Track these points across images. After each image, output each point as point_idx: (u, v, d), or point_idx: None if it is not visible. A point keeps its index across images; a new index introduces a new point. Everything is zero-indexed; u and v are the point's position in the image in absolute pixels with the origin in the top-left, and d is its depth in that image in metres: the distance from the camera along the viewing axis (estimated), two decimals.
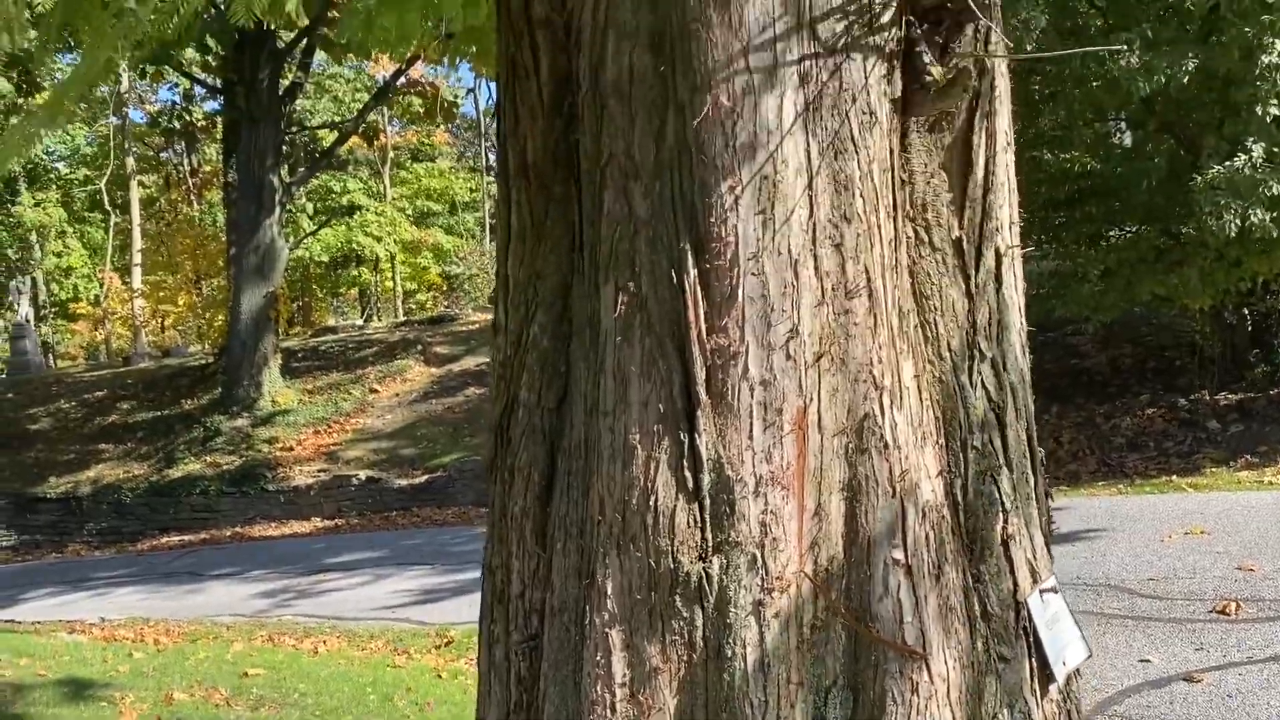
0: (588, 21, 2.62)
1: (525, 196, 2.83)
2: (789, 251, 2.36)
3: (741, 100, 2.36)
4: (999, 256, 2.70)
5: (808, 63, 2.38)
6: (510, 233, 2.87)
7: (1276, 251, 12.82)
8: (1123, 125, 15.65)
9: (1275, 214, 11.82)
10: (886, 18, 2.45)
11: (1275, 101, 12.54)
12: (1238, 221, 12.31)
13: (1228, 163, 12.64)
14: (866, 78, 2.42)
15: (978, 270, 2.65)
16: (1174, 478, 12.25)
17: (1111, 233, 15.41)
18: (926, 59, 2.48)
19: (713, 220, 2.37)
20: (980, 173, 2.64)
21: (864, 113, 2.42)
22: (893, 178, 2.49)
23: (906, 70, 2.50)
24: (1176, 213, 13.63)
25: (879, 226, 2.44)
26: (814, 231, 2.37)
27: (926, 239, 2.60)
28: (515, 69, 2.84)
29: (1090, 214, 14.74)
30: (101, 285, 28.13)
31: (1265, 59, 12.17)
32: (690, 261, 2.39)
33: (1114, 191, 14.65)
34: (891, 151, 2.48)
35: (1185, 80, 12.93)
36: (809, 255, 2.37)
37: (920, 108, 2.55)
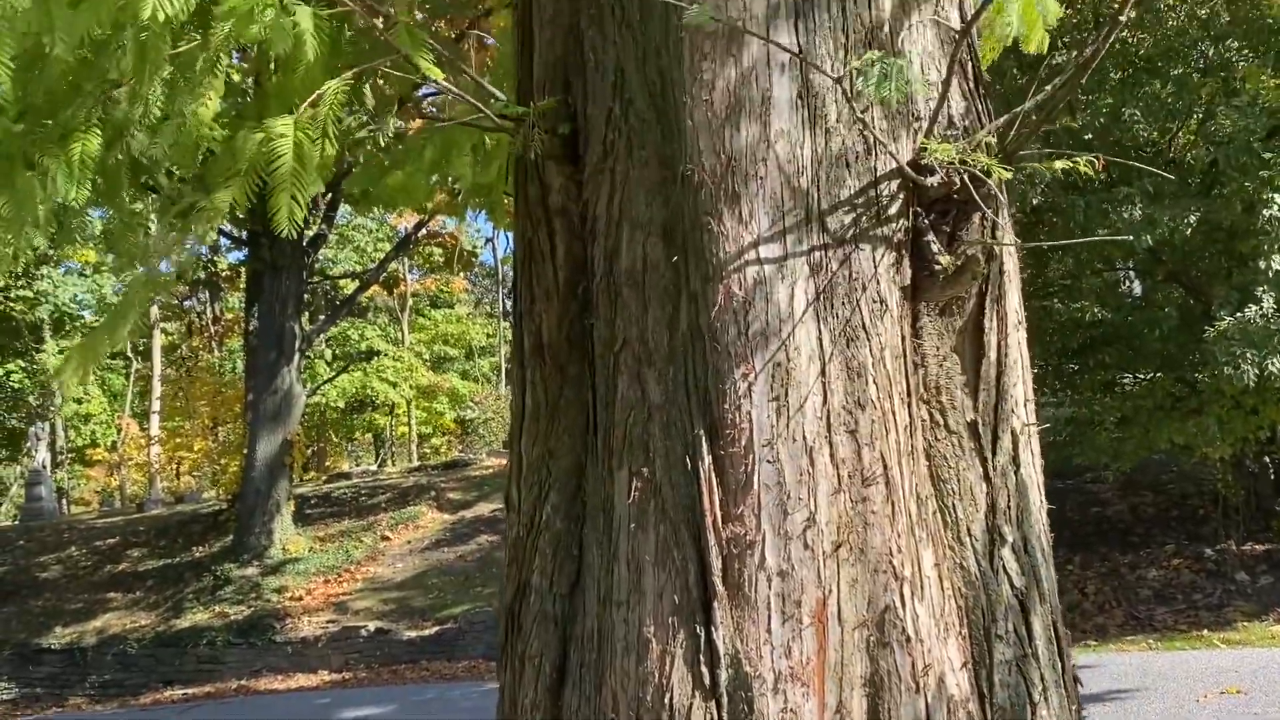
0: (602, 212, 2.69)
1: (540, 376, 2.85)
2: (804, 438, 2.35)
3: (753, 290, 2.39)
4: (1015, 438, 2.68)
5: (818, 253, 2.43)
6: (524, 412, 2.88)
7: None
8: (1131, 274, 15.85)
9: None
10: (894, 209, 2.51)
11: (1278, 255, 12.70)
12: (1255, 370, 12.29)
13: (1239, 313, 12.72)
14: (876, 267, 2.46)
15: (995, 453, 2.62)
16: (1205, 632, 11.87)
17: (1126, 379, 15.41)
18: (935, 248, 2.52)
19: (727, 406, 2.38)
20: (993, 355, 2.65)
21: (874, 301, 2.45)
22: (905, 363, 2.50)
23: (915, 258, 2.54)
24: (1190, 360, 13.65)
25: (893, 413, 2.43)
26: (828, 418, 2.37)
27: (942, 422, 2.59)
28: (532, 252, 2.91)
29: (1104, 361, 14.77)
30: (119, 431, 28.31)
31: (1266, 213, 12.38)
32: (705, 448, 2.38)
33: (1126, 339, 14.71)
34: (903, 337, 2.50)
35: (1189, 232, 13.14)
36: (824, 442, 2.36)
37: (930, 293, 2.58)
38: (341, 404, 26.56)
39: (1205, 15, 14.83)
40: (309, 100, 2.07)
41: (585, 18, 2.77)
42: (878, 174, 2.49)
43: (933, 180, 2.47)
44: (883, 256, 2.47)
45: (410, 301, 30.03)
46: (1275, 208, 12.18)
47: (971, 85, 2.74)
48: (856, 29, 2.56)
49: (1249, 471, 14.93)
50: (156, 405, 26.81)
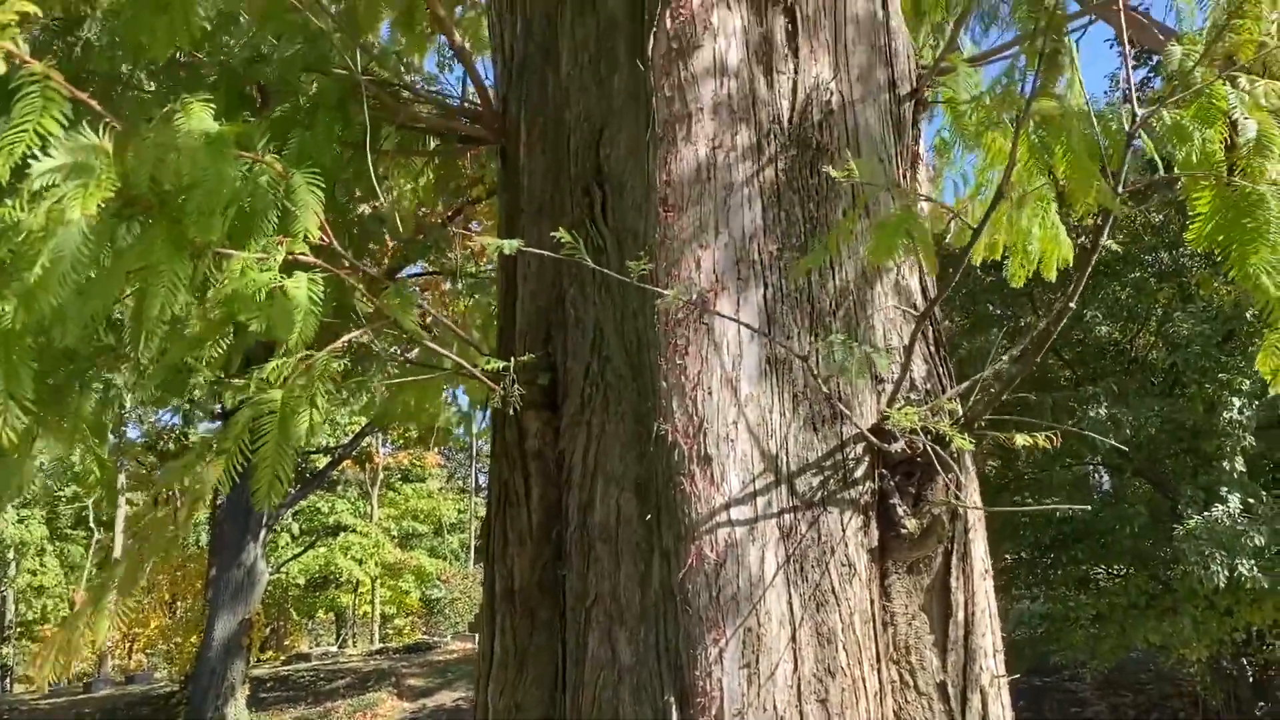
0: (578, 462, 2.75)
1: (510, 624, 2.83)
2: (774, 708, 2.34)
3: (725, 553, 2.43)
4: (985, 695, 2.68)
5: (788, 516, 2.48)
6: (492, 660, 2.85)
7: (1268, 602, 12.72)
8: (1101, 470, 16.02)
9: (1262, 564, 11.84)
10: (860, 472, 2.58)
11: (1241, 457, 12.93)
12: (1225, 572, 12.29)
13: (1206, 513, 12.81)
14: (844, 530, 2.51)
15: (965, 714, 2.61)
16: None
17: (1100, 575, 15.33)
18: (900, 511, 2.58)
19: (697, 673, 2.37)
20: (960, 615, 2.68)
21: (843, 564, 2.48)
22: (874, 625, 2.52)
23: (882, 520, 2.60)
24: (1163, 557, 13.64)
25: (863, 679, 2.43)
26: (799, 686, 2.36)
27: (911, 683, 2.58)
28: (507, 495, 2.94)
29: (1076, 557, 14.74)
30: (72, 606, 27.37)
31: (1226, 415, 12.69)
32: (675, 716, 2.36)
33: (1098, 535, 14.74)
34: (872, 601, 2.52)
35: (1154, 431, 13.38)
36: (795, 712, 2.35)
37: (898, 553, 2.62)
38: (304, 580, 25.89)
39: (1159, 222, 15.54)
40: (297, 370, 2.15)
41: (567, 276, 2.91)
42: (844, 437, 2.57)
43: (896, 446, 2.55)
44: (850, 519, 2.53)
45: (381, 475, 29.75)
46: (1235, 410, 12.50)
47: (933, 349, 2.87)
48: (822, 298, 2.70)
49: (1228, 673, 14.71)
50: (116, 579, 25.99)
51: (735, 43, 2.83)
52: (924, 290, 2.95)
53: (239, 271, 1.96)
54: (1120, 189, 2.37)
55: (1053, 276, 4.36)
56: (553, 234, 2.62)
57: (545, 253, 2.46)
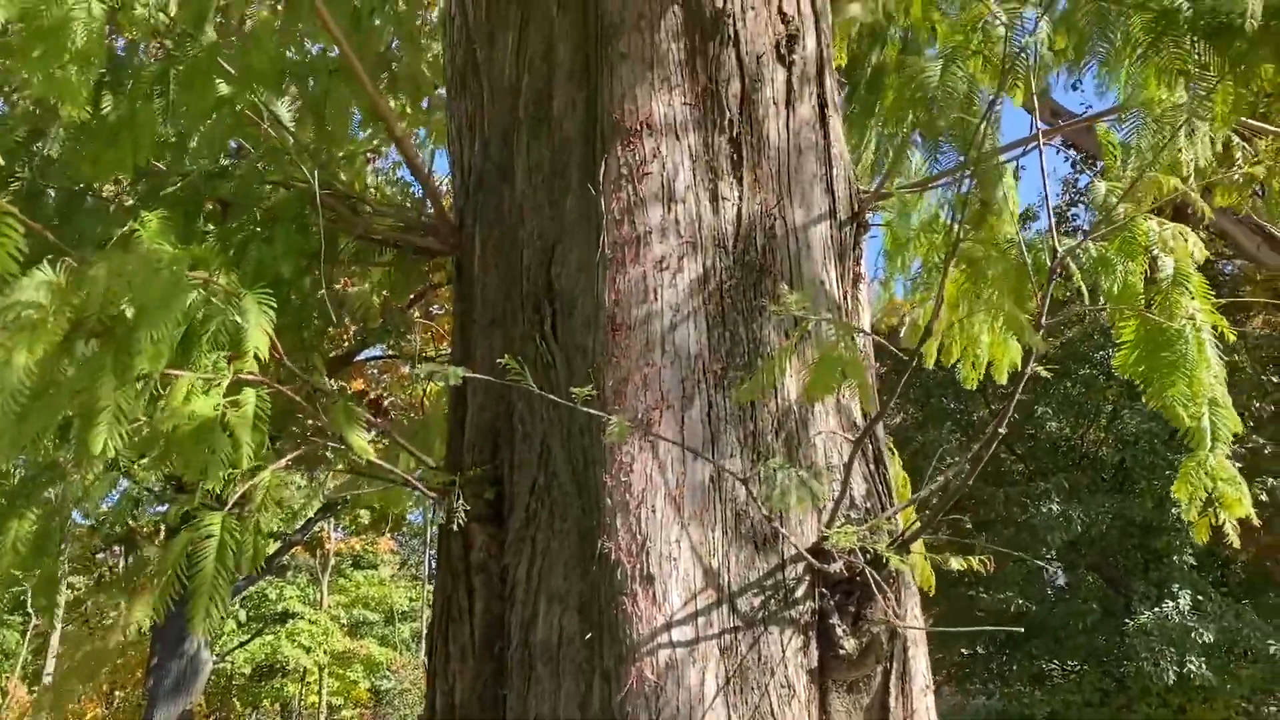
0: (522, 578, 2.76)
1: None
2: None
3: (665, 674, 2.44)
4: None
5: (728, 636, 2.50)
6: None
7: (1219, 700, 12.76)
8: (1055, 564, 16.11)
9: (1211, 664, 11.92)
10: (800, 591, 2.62)
11: (1190, 551, 13.08)
12: (1175, 669, 12.34)
13: (1157, 608, 12.90)
14: (784, 650, 2.54)
15: None
16: None
17: (1054, 671, 15.32)
18: (840, 631, 2.62)
19: None
20: None
21: (783, 686, 2.50)
22: None
23: (822, 640, 2.63)
24: (1116, 654, 13.68)
25: None
26: None
27: None
28: (450, 609, 2.94)
29: (1031, 653, 14.74)
30: (4, 696, 26.29)
31: (1175, 510, 12.88)
32: None
33: (1052, 630, 14.77)
34: None
35: (1104, 527, 13.52)
36: None
37: (838, 673, 2.65)
38: (249, 669, 25.12)
39: (1105, 322, 15.87)
40: (239, 493, 2.16)
41: (516, 390, 2.95)
42: (785, 557, 2.61)
43: (835, 566, 2.60)
44: (790, 639, 2.55)
45: (333, 561, 29.17)
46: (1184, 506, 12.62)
47: (872, 468, 2.94)
48: (764, 417, 2.77)
49: None
50: (51, 665, 25.08)
51: (683, 170, 2.95)
52: (864, 408, 3.03)
53: (183, 396, 1.99)
54: (1043, 320, 2.48)
55: (1003, 380, 4.47)
56: (500, 360, 2.68)
57: (491, 379, 2.51)
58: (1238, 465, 3.05)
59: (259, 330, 2.18)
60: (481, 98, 3.34)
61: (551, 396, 2.55)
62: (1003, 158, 3.94)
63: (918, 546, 4.96)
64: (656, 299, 2.82)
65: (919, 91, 2.41)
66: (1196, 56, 2.17)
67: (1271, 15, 2.01)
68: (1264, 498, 12.43)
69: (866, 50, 5.18)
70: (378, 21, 3.68)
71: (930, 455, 13.87)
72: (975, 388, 4.36)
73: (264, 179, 3.17)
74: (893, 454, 5.82)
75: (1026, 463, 15.35)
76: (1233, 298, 14.63)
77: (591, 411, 2.44)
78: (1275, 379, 14.68)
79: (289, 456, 2.37)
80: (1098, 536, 14.14)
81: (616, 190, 2.91)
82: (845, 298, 3.21)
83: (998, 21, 2.37)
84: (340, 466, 3.01)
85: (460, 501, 2.72)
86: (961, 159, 2.98)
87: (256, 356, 2.29)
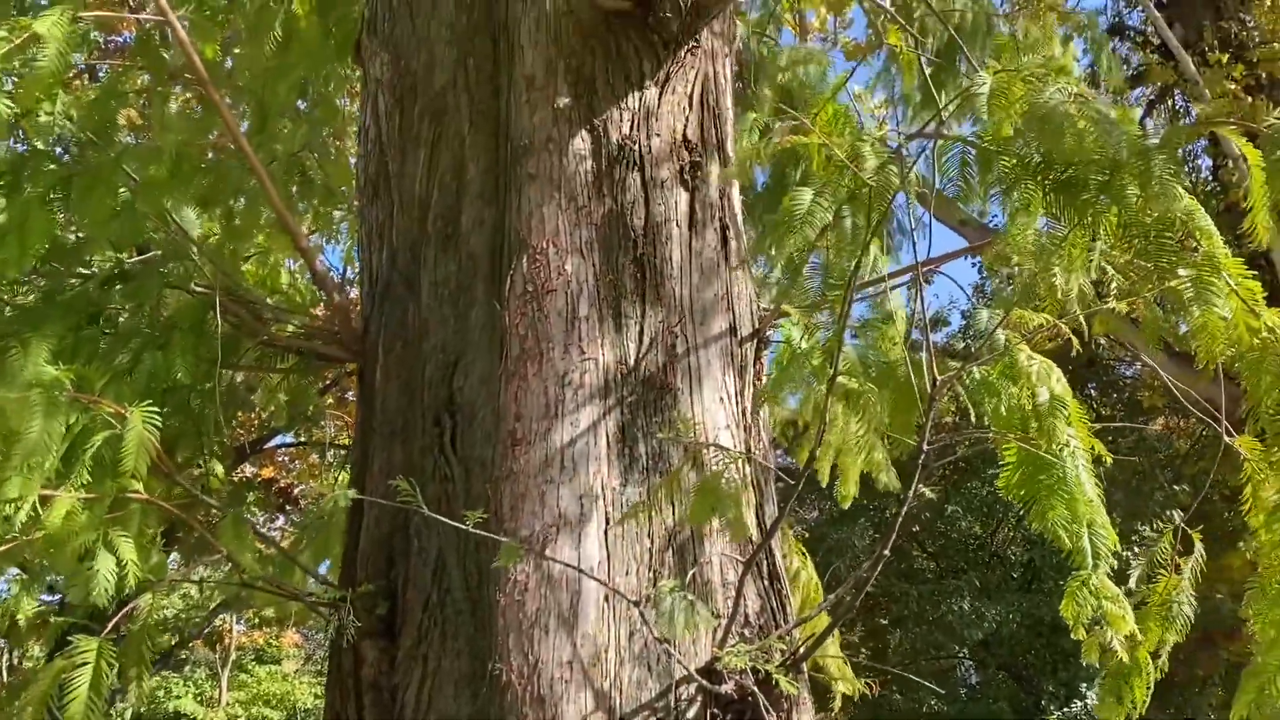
0: (411, 699, 2.71)
1: None
2: None
3: None
4: None
5: None
6: None
7: None
8: (967, 663, 16.24)
9: None
10: (692, 712, 2.61)
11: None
12: None
13: (1065, 709, 13.03)
14: None
15: None
16: None
17: None
18: None
19: None
20: None
21: None
22: None
23: None
24: None
25: None
26: None
27: None
28: None
29: None
30: None
31: None
32: None
33: None
34: None
35: (1015, 626, 13.71)
36: None
37: None
38: None
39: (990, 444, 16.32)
40: (123, 613, 2.10)
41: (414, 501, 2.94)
42: (676, 678, 2.62)
43: (726, 687, 2.61)
44: None
45: (234, 656, 27.97)
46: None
47: (767, 584, 2.97)
48: (661, 534, 2.80)
49: None
50: None
51: (587, 288, 3.02)
52: (760, 523, 3.07)
53: (62, 516, 1.95)
54: (925, 446, 2.57)
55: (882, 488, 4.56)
56: (398, 473, 2.68)
57: (385, 496, 2.50)
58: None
59: (139, 451, 2.15)
60: (392, 209, 3.39)
61: (442, 518, 2.54)
62: (893, 283, 4.11)
63: (835, 650, 4.99)
64: (557, 414, 2.85)
65: (791, 220, 2.53)
66: (1048, 202, 2.33)
67: (1113, 169, 2.16)
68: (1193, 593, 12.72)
69: (784, 169, 5.40)
70: (289, 123, 3.73)
71: (844, 553, 13.99)
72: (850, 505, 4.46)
73: (165, 283, 3.16)
74: (805, 556, 5.88)
75: (938, 560, 15.58)
76: (1134, 400, 15.21)
77: (484, 534, 2.44)
78: (1182, 486, 15.17)
79: (172, 578, 2.32)
80: (1008, 635, 14.32)
81: (521, 306, 2.97)
82: (744, 413, 3.28)
83: (868, 161, 2.51)
84: (231, 580, 2.94)
85: (350, 617, 2.67)
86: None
87: (153, 468, 2.26)
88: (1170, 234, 2.21)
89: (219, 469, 3.71)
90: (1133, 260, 2.40)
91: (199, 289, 3.19)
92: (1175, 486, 15.35)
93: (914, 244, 2.69)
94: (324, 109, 4.51)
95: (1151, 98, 14.89)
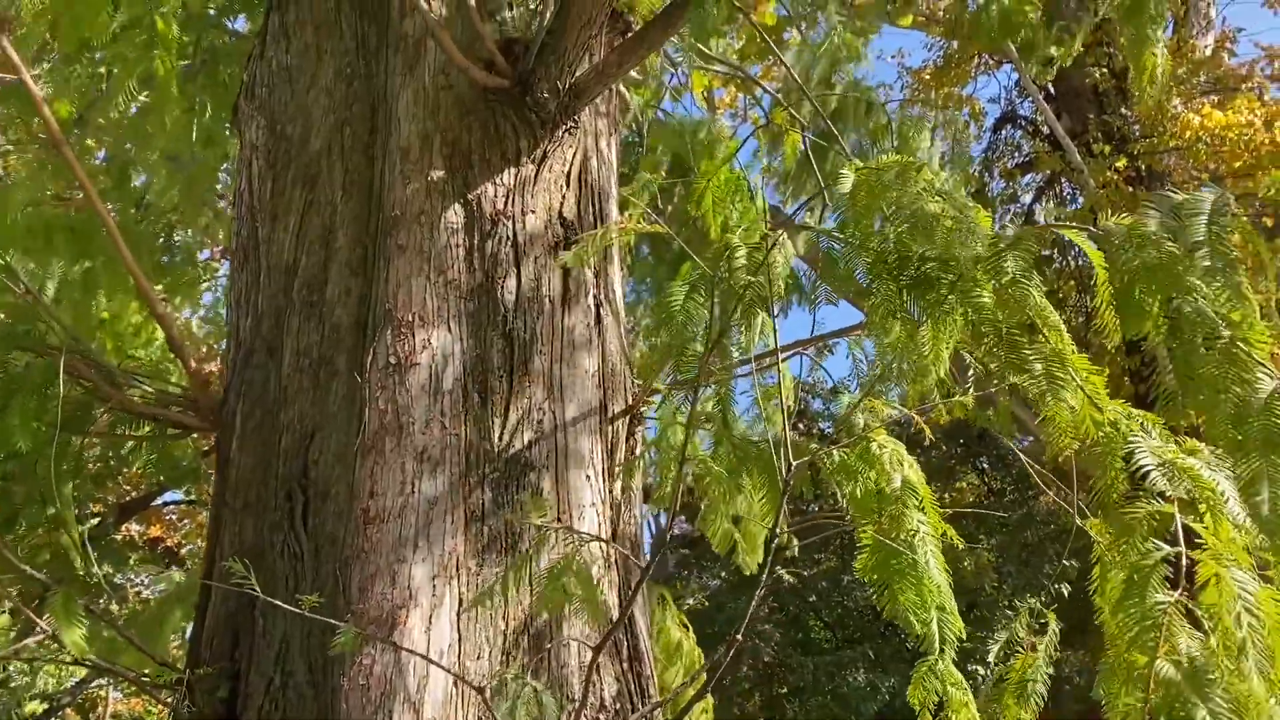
0: None
1: None
2: None
3: None
4: None
5: None
6: None
7: None
8: None
9: None
10: None
11: None
12: None
13: None
14: None
15: None
16: None
17: None
18: None
19: None
20: None
21: None
22: None
23: None
24: None
25: None
26: None
27: None
28: None
29: None
30: None
31: (973, 681, 13.30)
32: None
33: None
34: None
35: (907, 700, 13.72)
36: None
37: None
38: None
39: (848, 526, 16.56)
40: None
41: (259, 581, 2.84)
42: None
43: None
44: None
45: None
46: (978, 679, 13.09)
47: (626, 665, 2.93)
48: (516, 614, 2.75)
49: None
50: None
51: (453, 363, 2.99)
52: (621, 603, 3.05)
53: None
54: (778, 529, 2.59)
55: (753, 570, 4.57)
56: (248, 548, 2.59)
57: (223, 585, 2.41)
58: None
59: None
60: (259, 274, 3.33)
61: (278, 602, 2.46)
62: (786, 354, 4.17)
63: None
64: (414, 492, 2.80)
65: (666, 316, 2.58)
66: (903, 299, 2.40)
67: (965, 269, 2.24)
68: (1050, 670, 12.96)
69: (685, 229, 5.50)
70: (160, 182, 3.65)
71: (739, 621, 13.94)
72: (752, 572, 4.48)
73: (15, 343, 3.03)
74: (687, 628, 5.84)
75: (835, 631, 15.65)
76: (1025, 474, 15.63)
77: (325, 620, 2.36)
78: (1071, 561, 15.54)
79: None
80: (901, 707, 14.38)
81: (382, 380, 2.92)
82: (612, 490, 3.27)
83: (739, 260, 2.56)
84: (66, 659, 2.79)
85: (185, 703, 2.55)
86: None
87: None
88: (1019, 332, 2.28)
89: (73, 536, 3.54)
90: (984, 355, 2.47)
91: (50, 351, 3.07)
92: (1066, 561, 15.74)
93: (774, 330, 2.74)
94: (200, 169, 4.45)
95: (1041, 184, 15.55)
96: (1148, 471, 2.03)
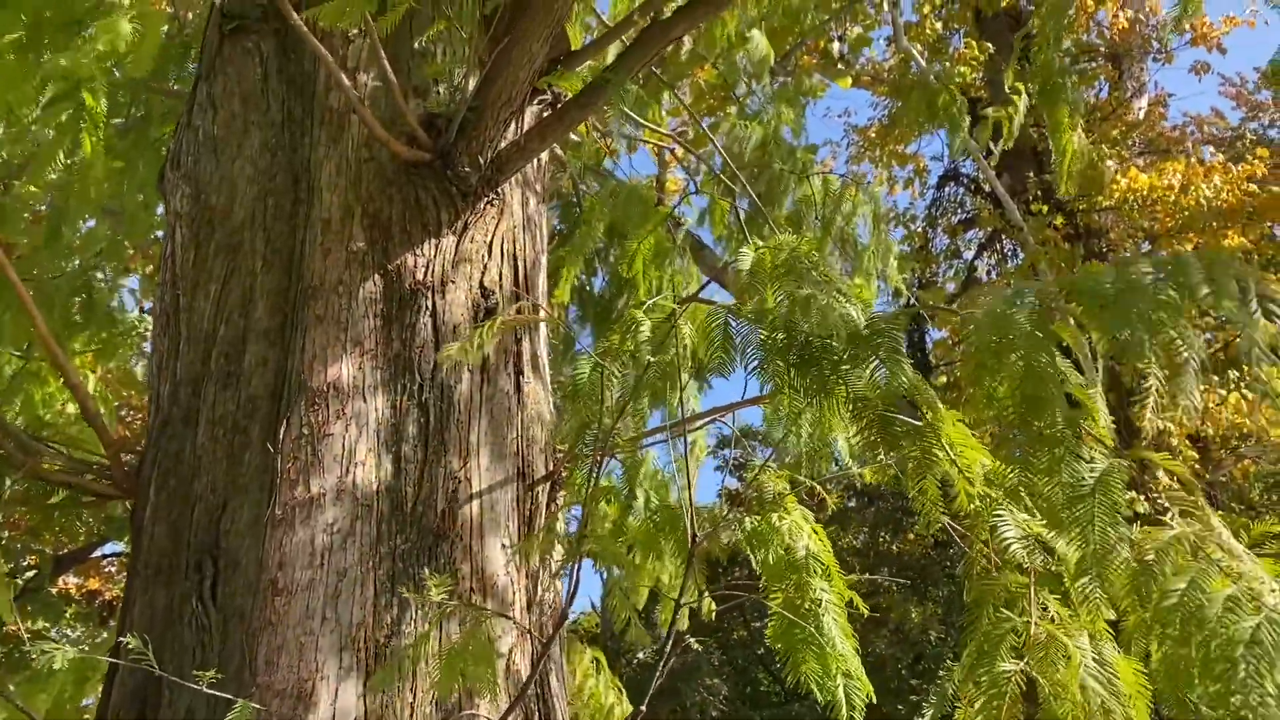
0: None
1: None
2: None
3: None
4: None
5: None
6: None
7: None
8: None
9: None
10: None
11: None
12: None
13: None
14: None
15: None
16: None
17: None
18: None
19: None
20: None
21: None
22: None
23: None
24: None
25: None
26: None
27: None
28: None
29: None
30: None
31: None
32: None
33: None
34: None
35: None
36: None
37: None
38: None
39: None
40: None
41: (168, 652, 2.84)
42: None
43: None
44: None
45: None
46: None
47: None
48: (424, 688, 2.76)
49: None
50: None
51: (367, 432, 3.02)
52: (537, 673, 3.06)
53: None
54: (682, 598, 2.65)
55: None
56: (158, 617, 2.59)
57: (128, 664, 2.41)
58: None
59: None
60: (179, 342, 3.35)
61: (178, 680, 2.46)
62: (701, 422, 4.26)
63: None
64: (324, 563, 2.81)
65: (575, 390, 2.65)
66: (791, 377, 2.49)
67: (844, 349, 2.34)
68: None
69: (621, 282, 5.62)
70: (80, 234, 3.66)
71: (690, 677, 13.92)
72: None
73: None
74: (620, 691, 5.83)
75: (783, 684, 15.61)
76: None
77: (220, 694, 2.36)
78: None
79: None
80: None
81: (295, 450, 2.94)
82: (530, 558, 3.29)
83: (643, 334, 2.63)
84: None
85: None
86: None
87: None
88: (894, 409, 2.37)
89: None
90: (866, 429, 2.55)
91: None
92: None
93: (681, 402, 2.82)
94: (134, 223, 4.47)
95: (983, 240, 15.88)
96: (1009, 544, 2.12)
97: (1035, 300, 2.00)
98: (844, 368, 2.34)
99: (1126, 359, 1.89)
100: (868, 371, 2.39)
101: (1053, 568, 2.13)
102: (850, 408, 2.41)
